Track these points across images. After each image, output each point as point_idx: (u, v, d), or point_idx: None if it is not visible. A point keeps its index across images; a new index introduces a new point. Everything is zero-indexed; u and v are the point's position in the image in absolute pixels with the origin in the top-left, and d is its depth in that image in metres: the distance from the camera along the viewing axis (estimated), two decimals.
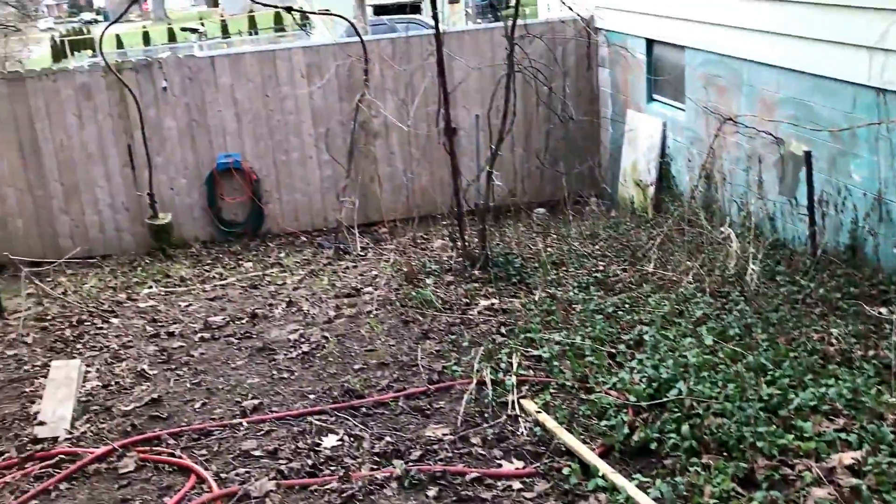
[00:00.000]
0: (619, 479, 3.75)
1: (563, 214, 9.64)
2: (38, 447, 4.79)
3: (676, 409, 4.18)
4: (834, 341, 4.84)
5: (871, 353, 4.66)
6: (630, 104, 9.98)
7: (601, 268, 7.11)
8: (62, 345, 6.67)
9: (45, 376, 5.84)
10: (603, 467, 3.85)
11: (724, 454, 3.86)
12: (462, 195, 7.19)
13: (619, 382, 4.62)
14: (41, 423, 5.05)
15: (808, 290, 5.76)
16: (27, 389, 5.79)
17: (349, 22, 11.09)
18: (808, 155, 6.33)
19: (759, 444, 3.80)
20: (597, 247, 7.94)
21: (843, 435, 3.83)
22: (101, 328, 7.02)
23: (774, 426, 3.94)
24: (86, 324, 7.16)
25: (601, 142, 10.86)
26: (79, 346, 6.62)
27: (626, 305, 5.98)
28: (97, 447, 4.73)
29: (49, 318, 7.41)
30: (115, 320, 7.21)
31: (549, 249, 7.84)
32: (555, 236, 8.52)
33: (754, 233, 6.65)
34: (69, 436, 4.93)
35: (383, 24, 17.40)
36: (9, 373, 6.16)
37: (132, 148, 9.94)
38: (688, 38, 8.52)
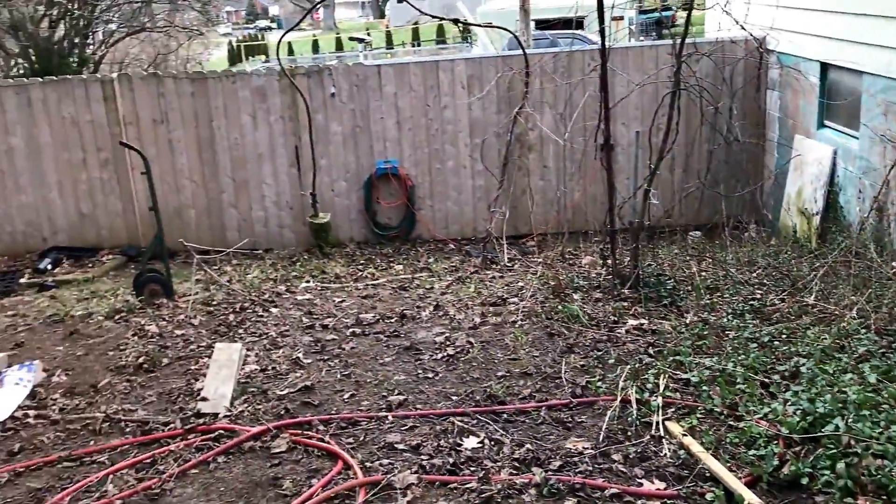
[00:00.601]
0: None
1: (720, 239, 9.36)
2: (200, 421, 5.13)
3: (832, 446, 3.99)
4: None
5: None
6: (798, 129, 9.58)
7: (758, 296, 6.87)
8: (225, 329, 7.09)
9: (209, 357, 6.24)
10: (749, 496, 3.73)
11: (884, 497, 3.66)
12: (616, 212, 7.13)
13: (772, 413, 4.45)
14: (204, 399, 5.41)
15: None
16: (192, 367, 6.20)
17: (513, 34, 11.18)
18: None
19: None
20: (754, 274, 7.67)
21: None
22: (261, 316, 7.42)
23: None
24: (247, 311, 7.58)
25: (765, 166, 10.48)
26: (240, 331, 7.02)
27: (783, 336, 5.75)
28: (253, 426, 5.01)
29: (215, 303, 7.90)
30: (274, 310, 7.60)
31: (703, 273, 7.65)
32: (710, 260, 8.29)
33: None
34: (228, 413, 5.25)
35: (545, 39, 17.47)
36: (177, 351, 6.61)
37: (299, 149, 10.44)
38: (867, 63, 8.10)
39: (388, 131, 10.52)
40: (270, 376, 5.93)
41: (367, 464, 4.47)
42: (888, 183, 7.42)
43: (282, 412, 5.27)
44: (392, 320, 7.08)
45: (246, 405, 5.39)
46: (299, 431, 4.91)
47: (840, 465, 3.80)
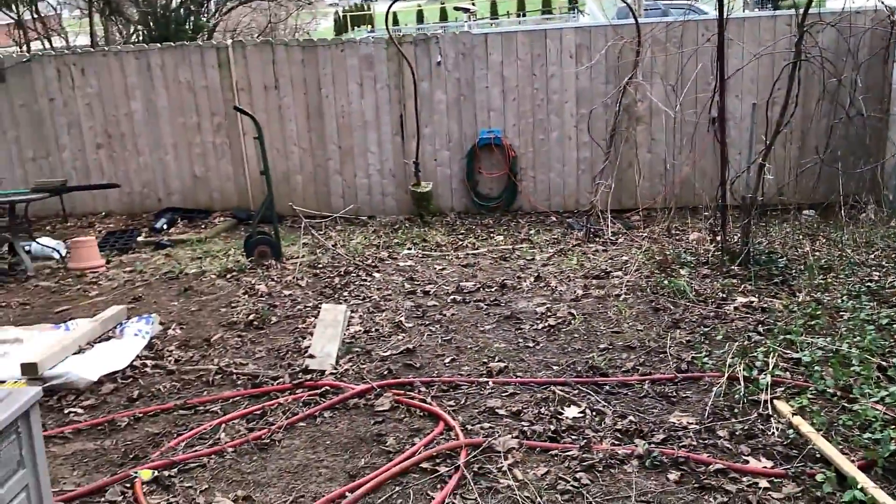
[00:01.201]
0: (880, 495, 3.50)
1: (835, 218, 8.99)
2: (308, 377, 5.29)
3: None
4: None
5: None
6: None
7: (876, 278, 6.58)
8: (330, 291, 7.26)
9: (316, 317, 6.41)
10: (863, 480, 3.60)
11: None
12: (728, 187, 6.92)
13: (889, 397, 4.27)
14: (311, 357, 5.56)
15: None
16: (299, 326, 6.38)
17: (625, 2, 10.93)
18: None
19: None
20: (872, 256, 7.35)
21: None
22: (364, 280, 7.56)
23: None
24: (351, 275, 7.74)
25: (888, 143, 9.96)
26: (345, 293, 7.18)
27: None
28: (357, 384, 5.13)
29: (320, 266, 8.09)
30: (377, 275, 7.73)
31: (817, 253, 7.37)
32: (824, 240, 7.98)
33: None
34: (334, 371, 5.39)
35: (657, 9, 17.01)
36: (285, 310, 6.81)
37: (403, 118, 10.52)
38: None
39: (492, 100, 10.48)
40: (374, 338, 6.05)
41: (468, 426, 4.51)
42: None
43: (384, 372, 5.37)
44: (492, 289, 7.10)
45: (350, 364, 5.52)
46: (402, 392, 4.99)
47: None
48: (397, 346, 5.84)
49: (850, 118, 9.14)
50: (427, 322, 6.35)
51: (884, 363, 4.79)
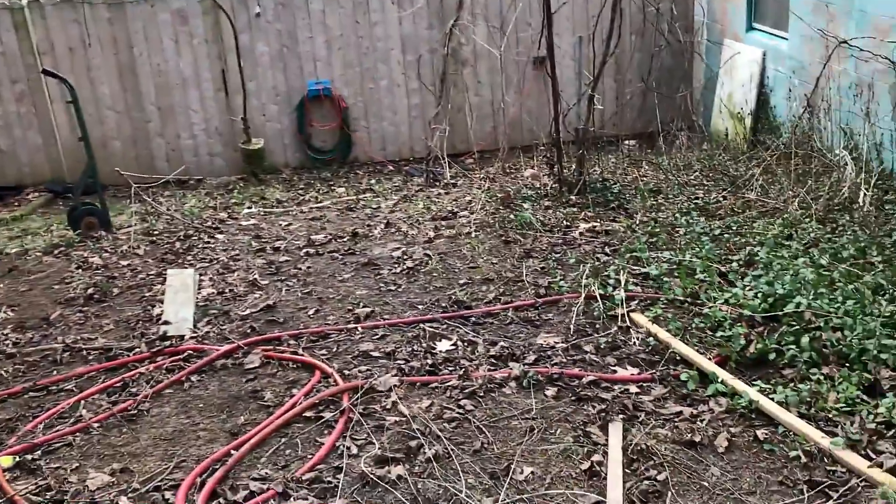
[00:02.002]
0: (739, 385, 3.81)
1: (654, 147, 9.55)
2: (167, 344, 5.05)
3: (794, 323, 4.19)
4: None
5: None
6: (727, 33, 9.73)
7: (700, 195, 7.07)
8: (173, 256, 6.94)
9: (162, 283, 6.11)
10: (722, 374, 3.91)
11: (846, 366, 3.87)
12: (562, 119, 7.17)
13: (733, 298, 4.64)
14: (167, 323, 5.32)
15: None
16: (146, 295, 6.07)
17: None
18: None
19: (883, 356, 3.80)
20: (693, 176, 7.88)
21: None
22: (207, 243, 7.28)
23: None
24: (192, 238, 7.42)
25: (694, 73, 10.64)
26: (189, 257, 6.89)
27: (732, 229, 5.95)
28: (222, 345, 4.96)
29: (156, 232, 7.70)
30: (220, 236, 7.46)
31: (644, 178, 7.81)
32: (648, 167, 8.46)
33: (864, 161, 6.51)
34: (194, 335, 5.18)
35: None
36: (126, 280, 6.45)
37: (226, 73, 10.10)
38: None
39: (317, 51, 10.26)
40: (229, 298, 5.86)
41: (345, 372, 4.49)
42: (818, 81, 7.63)
43: (248, 331, 5.23)
44: (344, 239, 7.05)
45: (210, 327, 5.33)
46: (270, 347, 4.88)
47: (804, 340, 4.00)
48: (256, 304, 5.69)
49: (661, 48, 9.67)
50: (283, 277, 6.21)
51: (723, 269, 5.18)
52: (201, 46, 10.04)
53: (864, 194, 5.75)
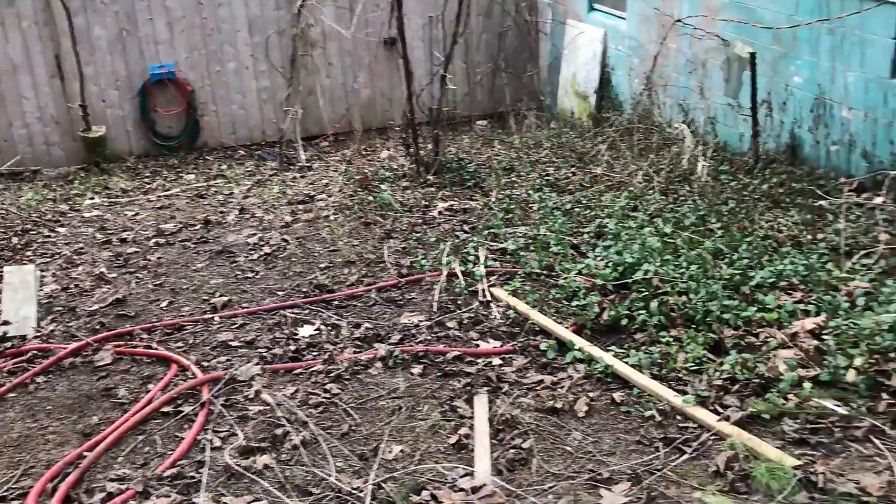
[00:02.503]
0: (595, 351, 3.96)
1: (505, 126, 9.76)
2: (8, 345, 4.73)
3: (643, 289, 4.40)
4: (783, 228, 5.13)
5: (819, 236, 4.96)
6: (570, 13, 10.02)
7: (551, 172, 7.28)
8: (10, 252, 6.49)
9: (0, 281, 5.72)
10: (579, 341, 4.05)
11: (692, 327, 4.10)
12: (415, 100, 7.19)
13: (586, 268, 4.81)
14: (6, 323, 4.97)
15: (753, 186, 6.04)
16: None
17: None
18: (752, 56, 6.53)
19: (725, 316, 4.05)
20: (543, 154, 8.10)
21: (801, 306, 4.12)
22: (48, 237, 6.86)
23: (738, 301, 4.20)
24: (31, 233, 6.97)
25: (540, 54, 10.91)
26: (28, 253, 6.46)
27: (582, 203, 6.16)
28: (69, 343, 4.69)
29: None
30: (61, 229, 7.05)
31: (498, 157, 7.95)
32: (500, 146, 8.62)
33: (699, 135, 6.89)
34: (38, 334, 4.88)
35: None
36: None
37: (60, 58, 9.53)
38: None
39: (159, 33, 9.82)
40: (75, 294, 5.54)
41: (204, 364, 4.35)
42: (656, 59, 7.99)
43: (97, 327, 4.97)
44: (196, 227, 6.81)
45: (55, 325, 5.03)
46: (122, 343, 4.66)
47: (653, 305, 4.20)
48: (104, 298, 5.41)
49: (507, 28, 9.85)
50: (132, 270, 5.94)
51: (575, 241, 5.36)
52: (31, 29, 9.41)
53: (703, 166, 6.08)
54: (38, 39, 9.46)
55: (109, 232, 6.89)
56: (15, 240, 6.78)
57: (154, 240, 6.55)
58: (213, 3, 9.81)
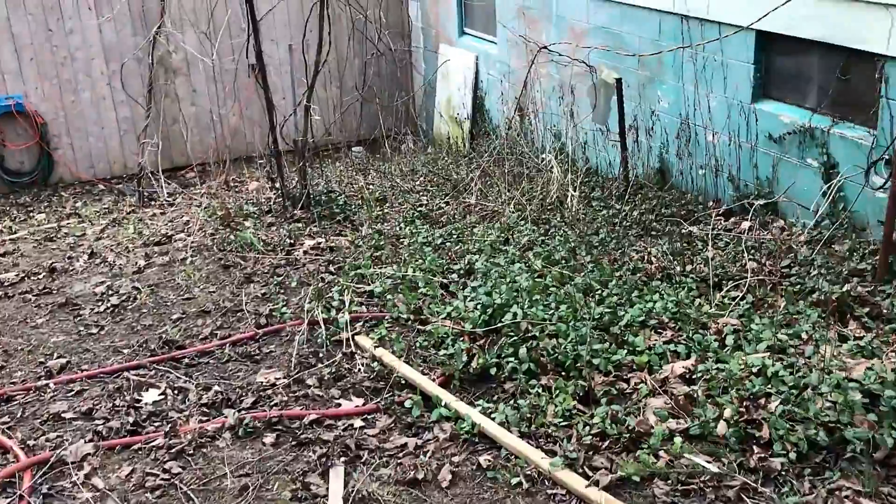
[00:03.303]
0: (462, 407, 3.71)
1: (380, 152, 9.48)
2: None
3: (512, 334, 4.18)
4: (653, 259, 5.03)
5: (688, 268, 4.88)
6: (442, 37, 9.88)
7: (424, 202, 7.04)
8: None
9: None
10: (445, 396, 3.79)
11: (563, 374, 3.91)
12: (279, 131, 6.83)
13: (454, 311, 4.56)
14: None
15: (624, 213, 5.96)
16: None
17: None
18: (618, 82, 6.49)
19: (595, 361, 3.87)
20: (417, 182, 7.86)
21: (672, 346, 3.98)
22: None
23: (608, 343, 4.03)
24: None
25: (414, 77, 10.73)
26: None
27: (454, 237, 5.93)
28: None
29: None
30: None
31: (370, 186, 7.67)
32: (375, 174, 8.34)
33: (570, 161, 6.78)
34: None
35: None
36: None
37: None
38: None
39: (5, 63, 9.13)
40: None
41: (30, 442, 3.86)
42: (526, 84, 7.89)
43: None
44: (40, 276, 6.23)
45: None
46: None
47: (522, 351, 3.98)
48: None
49: (381, 54, 9.63)
50: None
51: (445, 280, 5.12)
52: None
53: (572, 195, 5.96)
54: None
55: None
56: None
57: None
58: (64, 30, 9.21)
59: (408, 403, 3.81)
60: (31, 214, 8.44)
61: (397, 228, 6.33)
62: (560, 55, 7.07)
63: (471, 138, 9.25)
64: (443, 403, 3.73)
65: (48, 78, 9.31)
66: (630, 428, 3.39)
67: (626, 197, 6.21)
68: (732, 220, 5.75)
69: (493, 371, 4.02)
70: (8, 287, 6.06)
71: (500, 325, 4.29)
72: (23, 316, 5.50)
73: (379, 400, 3.95)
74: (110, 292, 5.73)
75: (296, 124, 7.61)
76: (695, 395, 3.51)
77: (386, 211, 6.92)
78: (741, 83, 5.72)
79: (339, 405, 3.96)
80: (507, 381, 3.96)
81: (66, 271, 6.30)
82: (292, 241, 6.27)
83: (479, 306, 4.45)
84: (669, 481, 3.13)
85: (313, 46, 6.69)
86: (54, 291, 5.88)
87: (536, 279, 4.73)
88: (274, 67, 9.80)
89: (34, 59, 9.21)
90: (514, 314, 4.26)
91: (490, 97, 9.06)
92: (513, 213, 6.26)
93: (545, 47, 6.88)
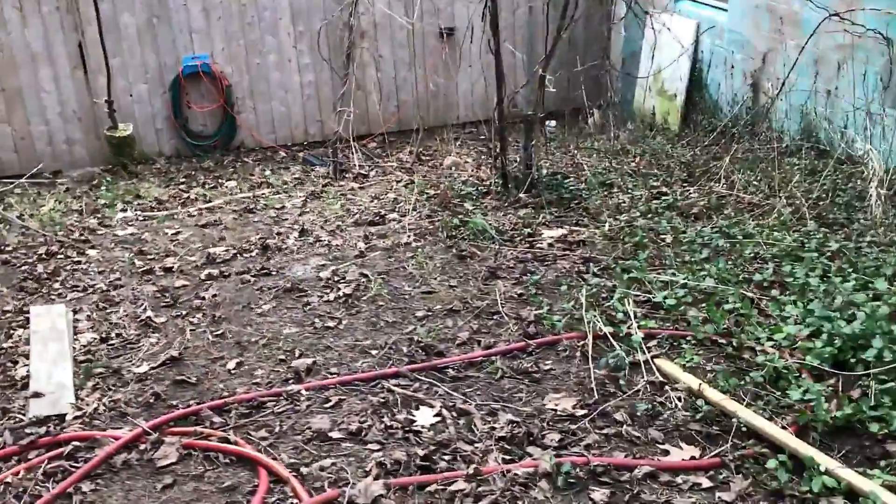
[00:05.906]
0: (852, 476, 2.89)
1: (575, 128, 8.70)
2: (43, 430, 3.67)
3: (886, 377, 3.32)
4: None
5: None
6: (653, 2, 8.91)
7: (663, 189, 6.20)
8: (35, 284, 5.44)
9: (25, 327, 4.68)
10: (823, 460, 2.97)
11: None
12: (506, 103, 6.11)
13: (786, 339, 3.72)
14: (37, 395, 3.92)
15: None
16: (4, 345, 4.59)
17: None
18: None
19: None
20: (635, 163, 7.04)
21: None
22: (78, 262, 5.81)
23: None
24: (58, 256, 5.93)
25: (612, 46, 9.80)
26: (56, 284, 5.41)
27: (733, 237, 5.04)
28: (118, 427, 3.65)
29: (9, 249, 6.13)
30: (92, 252, 6.00)
31: (587, 166, 6.88)
32: (578, 152, 7.53)
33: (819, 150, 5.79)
34: (79, 410, 3.82)
35: None
36: None
37: (84, 47, 8.46)
38: None
39: (193, 21, 8.75)
40: (117, 347, 4.49)
41: (300, 468, 3.30)
42: (765, 56, 6.88)
43: (150, 399, 3.91)
44: (252, 253, 5.76)
45: (97, 394, 3.97)
46: (189, 429, 3.60)
47: None
48: (155, 353, 4.37)
49: (576, 19, 8.78)
50: (183, 311, 4.89)
51: (747, 293, 4.27)
52: (52, 16, 8.34)
53: (878, 192, 4.97)
54: (60, 27, 8.41)
55: (149, 257, 5.85)
56: (41, 267, 5.72)
57: (206, 269, 5.50)
58: None
59: (772, 463, 3.02)
60: (220, 181, 8.06)
61: (649, 222, 5.52)
62: (841, 19, 5.95)
63: (683, 116, 8.33)
64: (821, 469, 2.92)
65: (234, 38, 8.90)
66: None
67: None
68: None
69: (874, 428, 3.16)
70: (221, 264, 5.61)
71: (853, 360, 3.43)
72: (245, 300, 5.00)
73: (720, 450, 3.18)
74: (336, 278, 5.17)
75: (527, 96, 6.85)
76: None
77: (619, 198, 6.13)
78: None
79: (668, 453, 3.22)
80: (887, 439, 3.11)
81: (279, 249, 5.80)
82: (530, 231, 5.55)
83: (825, 336, 3.59)
84: None
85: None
86: (273, 273, 5.38)
87: (889, 302, 3.82)
88: (487, 36, 9.07)
89: (221, 19, 8.81)
90: (879, 350, 3.39)
91: (714, 71, 8.08)
92: (786, 207, 5.35)
93: (836, 14, 5.82)
